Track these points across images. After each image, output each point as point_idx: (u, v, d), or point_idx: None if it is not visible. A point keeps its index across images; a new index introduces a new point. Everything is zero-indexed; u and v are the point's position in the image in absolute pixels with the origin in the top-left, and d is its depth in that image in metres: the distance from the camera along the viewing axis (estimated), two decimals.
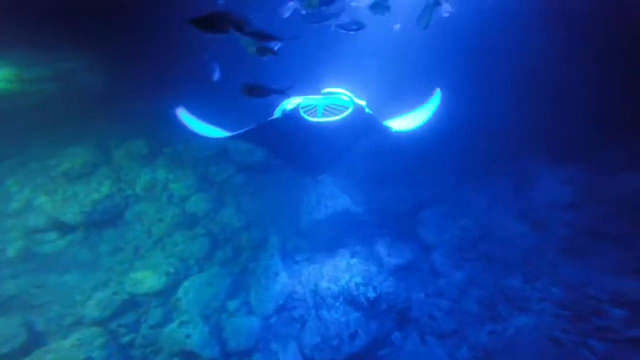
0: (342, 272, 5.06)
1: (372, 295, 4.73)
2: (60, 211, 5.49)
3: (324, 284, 4.91)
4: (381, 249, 5.55)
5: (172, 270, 5.12)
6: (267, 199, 6.59)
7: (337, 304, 4.70)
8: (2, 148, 6.15)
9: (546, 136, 6.19)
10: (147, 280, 4.93)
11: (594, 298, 4.91)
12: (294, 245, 5.63)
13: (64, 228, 5.54)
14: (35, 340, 4.29)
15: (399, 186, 6.90)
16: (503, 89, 6.25)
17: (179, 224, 5.91)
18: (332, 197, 6.07)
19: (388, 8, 3.28)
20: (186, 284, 4.96)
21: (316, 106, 3.41)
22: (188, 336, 4.23)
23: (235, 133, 3.82)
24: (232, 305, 4.73)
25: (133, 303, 4.79)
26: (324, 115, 3.41)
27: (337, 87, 3.46)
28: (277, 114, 3.39)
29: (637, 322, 4.26)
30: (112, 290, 4.82)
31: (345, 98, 3.44)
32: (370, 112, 3.76)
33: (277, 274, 5.00)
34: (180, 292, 4.85)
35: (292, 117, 3.22)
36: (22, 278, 5.03)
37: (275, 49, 2.76)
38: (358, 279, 4.89)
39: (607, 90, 5.93)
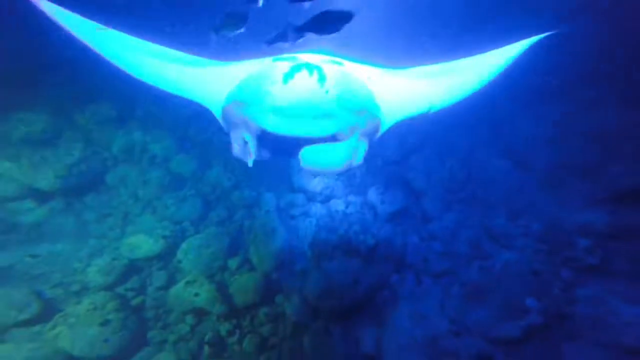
0: (339, 222, 5.16)
1: (370, 242, 4.89)
2: (31, 177, 5.14)
3: (322, 235, 4.98)
4: (374, 197, 5.61)
5: (167, 233, 5.05)
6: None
7: (337, 253, 4.84)
8: None
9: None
10: (143, 244, 4.85)
11: (566, 231, 5.37)
12: (288, 201, 5.61)
13: (39, 195, 5.24)
14: (49, 307, 4.26)
15: (385, 135, 6.90)
16: None
17: (165, 186, 5.75)
18: None
19: None
20: (184, 245, 4.93)
21: None
22: (196, 294, 4.31)
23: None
24: (233, 263, 4.79)
25: (134, 267, 4.76)
26: None
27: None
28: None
29: (596, 250, 4.75)
30: (110, 257, 4.74)
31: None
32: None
33: (274, 230, 5.01)
34: (180, 254, 4.84)
35: None
36: (11, 249, 4.78)
37: None
38: (356, 227, 5.00)
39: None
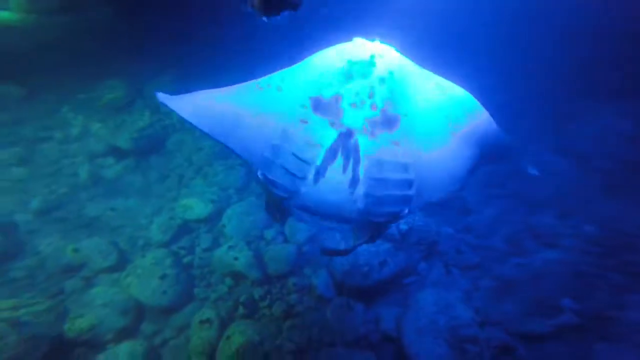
0: None
1: (404, 227, 4.95)
2: (114, 137, 6.10)
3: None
4: None
5: (215, 197, 5.63)
6: None
7: None
8: (45, 81, 6.63)
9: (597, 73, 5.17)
10: (195, 207, 5.47)
11: (625, 234, 4.81)
12: None
13: (118, 153, 6.17)
14: (123, 257, 5.05)
15: None
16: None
17: (216, 154, 6.33)
18: None
19: None
20: (229, 211, 5.46)
21: None
22: (235, 258, 4.82)
23: None
24: (268, 234, 5.21)
25: (186, 228, 5.40)
26: None
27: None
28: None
29: None
30: (167, 216, 5.45)
31: None
32: None
33: None
34: (224, 219, 5.39)
35: None
36: (97, 201, 5.74)
37: None
38: None
39: None
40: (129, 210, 5.64)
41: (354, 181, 2.05)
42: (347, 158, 2.08)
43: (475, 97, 2.28)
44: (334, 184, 2.07)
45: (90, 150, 6.18)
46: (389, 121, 2.17)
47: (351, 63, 2.23)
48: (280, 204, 2.18)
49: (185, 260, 5.02)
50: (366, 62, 2.21)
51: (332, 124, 2.15)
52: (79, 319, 4.15)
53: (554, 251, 4.91)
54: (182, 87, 6.73)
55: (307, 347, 4.15)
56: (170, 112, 6.54)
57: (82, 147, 6.20)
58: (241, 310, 4.44)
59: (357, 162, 2.08)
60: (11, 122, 6.21)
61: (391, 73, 2.21)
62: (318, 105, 2.20)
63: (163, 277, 4.63)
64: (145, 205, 5.71)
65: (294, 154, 2.08)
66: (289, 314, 4.46)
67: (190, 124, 2.45)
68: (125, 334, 4.21)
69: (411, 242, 5.04)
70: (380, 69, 2.20)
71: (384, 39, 2.26)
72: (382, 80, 2.19)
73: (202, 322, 4.29)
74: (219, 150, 6.39)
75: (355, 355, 4.05)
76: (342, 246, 2.13)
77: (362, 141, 2.11)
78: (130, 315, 4.37)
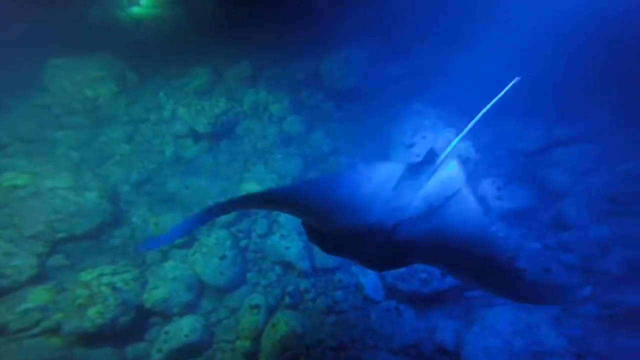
0: None
1: None
2: (195, 121, 6.60)
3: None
4: (488, 189, 4.80)
5: (273, 184, 5.75)
6: (356, 125, 6.50)
7: None
8: (151, 67, 7.59)
9: None
10: (254, 191, 5.61)
11: None
12: None
13: (196, 136, 6.70)
14: (192, 235, 5.49)
15: (523, 119, 5.16)
16: None
17: (277, 142, 6.46)
18: (432, 129, 5.18)
19: None
20: None
21: None
22: (287, 248, 4.93)
23: None
24: None
25: (245, 212, 5.63)
26: None
27: None
28: None
29: None
30: (231, 198, 5.76)
31: None
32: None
33: None
34: None
35: None
36: (176, 178, 6.33)
37: None
38: None
39: None
40: (199, 190, 6.08)
41: None
42: None
43: None
44: None
45: (175, 131, 6.81)
46: None
47: None
48: None
49: (242, 243, 5.28)
50: None
51: None
52: (155, 290, 4.70)
53: None
54: (257, 72, 7.14)
55: (349, 346, 4.08)
56: (241, 99, 7.14)
57: (170, 128, 6.87)
58: (287, 299, 4.55)
59: None
60: (126, 104, 7.27)
61: None
62: None
63: (222, 257, 4.95)
64: (213, 186, 6.09)
65: None
66: (332, 310, 4.41)
67: None
68: (188, 308, 4.67)
69: None
70: None
71: None
72: None
73: (251, 307, 4.53)
74: (280, 138, 6.58)
75: None
76: None
77: None
78: (194, 291, 4.83)
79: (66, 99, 6.99)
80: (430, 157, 1.80)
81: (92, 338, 4.34)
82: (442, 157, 1.81)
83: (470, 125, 1.95)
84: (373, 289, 4.42)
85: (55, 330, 4.41)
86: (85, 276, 4.69)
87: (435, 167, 1.75)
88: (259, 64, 7.58)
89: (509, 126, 5.80)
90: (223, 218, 5.57)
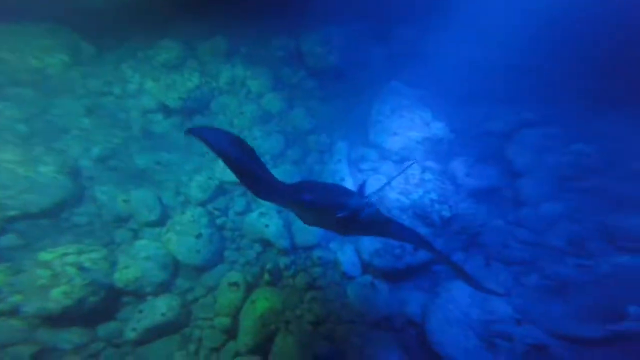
0: (414, 186, 4.84)
1: (446, 214, 4.57)
2: (164, 95, 6.24)
3: (393, 195, 4.80)
4: (458, 167, 5.04)
5: None
6: (336, 103, 6.46)
7: (404, 217, 4.67)
8: (112, 39, 6.99)
9: None
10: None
11: None
12: (360, 154, 5.52)
13: (167, 111, 6.35)
14: (165, 213, 5.35)
15: (495, 103, 5.50)
16: None
17: (256, 119, 6.25)
18: (410, 109, 5.32)
19: None
20: None
21: None
22: (266, 226, 4.89)
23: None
24: None
25: (222, 189, 5.54)
26: None
27: None
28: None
29: None
30: (206, 175, 5.55)
31: None
32: None
33: (342, 179, 5.10)
34: None
35: None
36: (145, 153, 6.01)
37: None
38: (433, 195, 4.67)
39: None
40: (172, 166, 5.86)
41: None
42: None
43: None
44: None
45: (143, 106, 6.42)
46: None
47: None
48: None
49: (219, 221, 5.19)
50: None
51: None
52: (126, 270, 4.54)
53: (629, 256, 4.22)
54: (234, 48, 6.81)
55: (326, 320, 4.23)
56: (217, 75, 6.81)
57: (137, 102, 6.46)
58: (267, 277, 4.57)
59: None
60: (82, 76, 6.64)
61: None
62: None
63: (198, 236, 4.84)
64: (186, 162, 5.89)
65: None
66: (311, 286, 4.52)
67: None
68: (163, 288, 4.59)
69: (452, 230, 4.68)
70: None
71: None
72: None
73: (230, 284, 4.51)
74: (259, 115, 6.40)
75: (374, 335, 4.03)
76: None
77: None
78: (168, 270, 4.71)
79: (8, 70, 6.22)
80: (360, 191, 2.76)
81: (58, 319, 4.15)
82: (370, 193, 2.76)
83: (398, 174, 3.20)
84: (350, 265, 4.56)
85: (12, 312, 4.14)
86: (46, 256, 4.40)
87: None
88: (236, 39, 7.24)
89: (483, 109, 6.04)
90: (198, 196, 5.42)
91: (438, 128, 5.37)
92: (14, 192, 4.75)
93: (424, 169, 4.97)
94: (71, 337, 4.22)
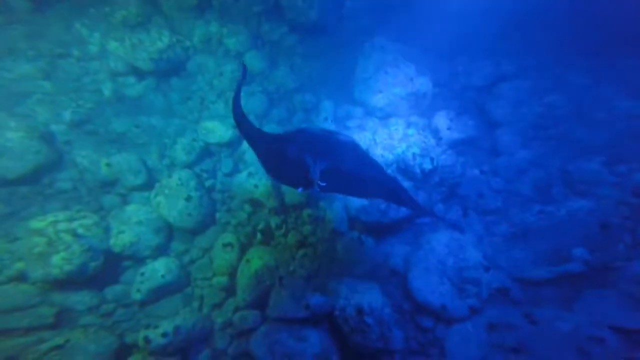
0: (397, 141, 4.95)
1: (427, 166, 4.72)
2: (132, 56, 5.76)
3: (378, 151, 4.93)
4: (441, 121, 5.13)
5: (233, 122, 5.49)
6: (320, 61, 6.19)
7: (389, 172, 4.87)
8: None
9: None
10: (216, 130, 5.43)
11: None
12: (346, 112, 5.50)
13: (138, 73, 5.94)
14: (151, 176, 5.33)
15: (476, 56, 5.40)
16: None
17: (237, 79, 5.95)
18: (394, 65, 5.21)
19: None
20: None
21: None
22: (255, 186, 5.00)
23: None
24: None
25: (208, 151, 5.52)
26: None
27: None
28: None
29: None
30: (190, 137, 5.49)
31: None
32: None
33: None
34: (245, 145, 5.38)
35: None
36: (122, 117, 5.79)
37: None
38: (415, 149, 4.78)
39: None
40: (152, 129, 5.71)
41: None
42: None
43: None
44: None
45: (110, 68, 5.97)
46: None
47: None
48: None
49: (208, 183, 5.25)
50: None
51: None
52: (121, 235, 4.67)
53: (585, 200, 4.62)
54: (205, 2, 6.16)
55: (316, 274, 4.57)
56: (190, 33, 6.27)
57: (102, 65, 5.99)
58: (259, 237, 4.80)
59: None
60: (26, 35, 6.00)
61: None
62: None
63: (188, 198, 4.92)
64: (168, 125, 5.76)
65: None
66: (302, 243, 4.78)
67: None
68: (159, 251, 4.78)
69: (433, 183, 4.90)
70: None
71: None
72: None
73: (224, 245, 4.73)
74: (239, 75, 6.07)
75: (360, 285, 4.38)
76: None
77: None
78: (162, 234, 4.87)
79: None
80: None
81: (65, 284, 4.36)
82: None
83: None
84: (338, 221, 4.80)
85: (20, 279, 4.34)
86: (37, 224, 4.46)
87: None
88: None
89: (465, 61, 6.03)
90: (183, 158, 5.39)
91: (422, 83, 5.35)
92: None
93: (408, 124, 5.05)
94: (83, 299, 4.49)
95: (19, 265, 4.34)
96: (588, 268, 4.03)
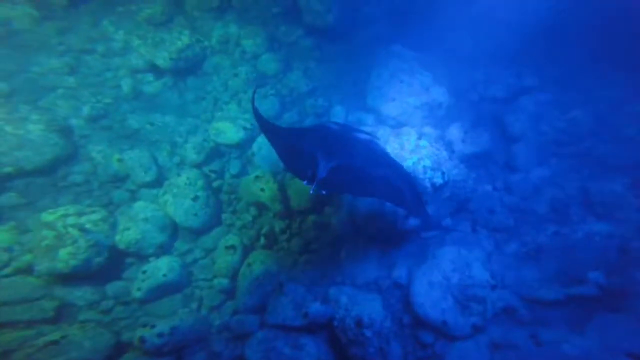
0: (409, 152, 4.79)
1: (439, 181, 4.56)
2: (153, 54, 5.91)
3: None
4: (455, 133, 4.97)
5: (248, 125, 5.53)
6: (334, 66, 6.18)
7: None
8: None
9: None
10: (227, 131, 5.45)
11: None
12: (357, 118, 5.40)
13: (157, 71, 6.07)
14: (161, 174, 5.38)
15: (497, 67, 5.25)
16: None
17: (251, 81, 6.04)
18: (410, 72, 5.13)
19: None
20: (259, 140, 5.42)
21: None
22: (262, 189, 4.97)
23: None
24: None
25: (218, 151, 5.53)
26: None
27: None
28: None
29: None
30: (201, 137, 5.54)
31: None
32: None
33: None
34: (254, 147, 5.39)
35: None
36: (138, 114, 5.90)
37: None
38: (427, 162, 4.63)
39: None
40: (166, 126, 5.78)
41: None
42: None
43: None
44: None
45: (131, 65, 6.13)
46: None
47: None
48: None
49: (215, 184, 5.26)
50: None
51: None
52: (126, 232, 4.71)
53: (604, 223, 4.38)
54: (225, 3, 6.28)
55: (319, 282, 4.49)
56: (209, 33, 6.42)
57: (124, 61, 6.16)
58: (262, 240, 4.77)
59: None
60: (58, 32, 6.22)
61: None
62: None
63: (195, 198, 4.94)
64: (181, 124, 5.80)
65: None
66: (306, 249, 4.72)
67: None
68: (163, 249, 4.79)
69: (443, 197, 4.74)
70: None
71: None
72: None
73: (227, 247, 4.72)
74: (254, 77, 6.18)
75: (361, 296, 4.27)
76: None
77: None
78: (167, 232, 4.88)
79: None
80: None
81: (69, 278, 4.42)
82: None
83: None
84: (343, 228, 4.69)
85: (27, 271, 4.43)
86: (48, 216, 4.56)
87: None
88: None
89: (484, 71, 5.86)
90: (192, 157, 5.42)
91: (438, 93, 5.24)
92: (5, 149, 4.81)
93: (421, 135, 4.93)
94: (84, 294, 4.54)
95: (28, 257, 4.43)
96: (602, 292, 3.83)
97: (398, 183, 3.07)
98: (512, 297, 4.10)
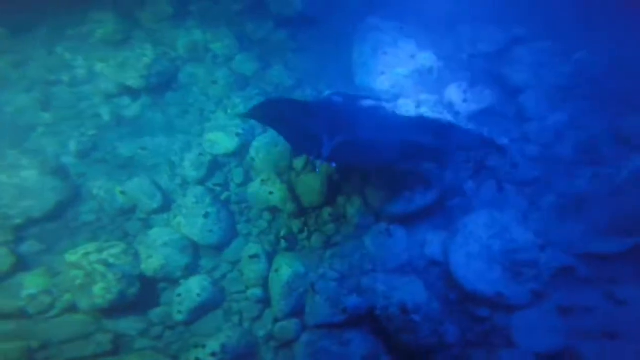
0: None
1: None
2: (121, 76, 5.61)
3: None
4: (454, 94, 4.75)
5: (240, 131, 5.32)
6: (314, 53, 5.88)
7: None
8: (21, 15, 5.97)
9: None
10: (221, 141, 5.28)
11: None
12: None
13: (131, 92, 5.78)
14: (167, 197, 5.24)
15: (481, 24, 4.82)
16: None
17: (231, 85, 5.79)
18: (393, 44, 4.86)
19: None
20: (255, 143, 5.25)
21: None
22: (270, 193, 4.85)
23: None
24: (298, 164, 5.01)
25: (217, 163, 5.35)
26: None
27: None
28: None
29: None
30: (197, 152, 5.34)
31: None
32: None
33: None
34: (252, 152, 5.23)
35: None
36: (127, 141, 5.65)
37: None
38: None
39: None
40: (159, 148, 5.56)
41: None
42: None
43: None
44: None
45: (102, 91, 5.81)
46: None
47: None
48: None
49: (223, 197, 5.14)
50: None
51: None
52: (150, 259, 4.66)
53: None
54: (181, 9, 5.85)
55: (349, 274, 4.45)
56: (173, 43, 6.07)
57: (94, 88, 5.85)
58: (283, 243, 4.72)
59: None
60: (13, 65, 5.86)
61: None
62: None
63: (206, 215, 4.84)
64: (172, 142, 5.58)
65: None
66: (328, 244, 4.67)
67: None
68: (189, 270, 4.75)
69: (458, 161, 4.55)
70: None
71: None
72: None
73: (250, 257, 4.65)
74: (233, 81, 5.90)
75: (398, 280, 4.18)
76: None
77: None
78: (188, 253, 4.82)
79: None
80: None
81: (111, 311, 4.47)
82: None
83: None
84: (359, 214, 4.61)
85: (73, 309, 4.51)
86: (71, 257, 4.54)
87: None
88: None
89: (468, 32, 5.57)
90: (193, 174, 5.25)
91: (425, 58, 5.02)
92: (8, 201, 4.74)
93: (419, 104, 4.68)
94: (132, 324, 4.59)
95: (68, 296, 4.50)
96: None
97: (412, 137, 3.04)
98: (565, 255, 3.90)
